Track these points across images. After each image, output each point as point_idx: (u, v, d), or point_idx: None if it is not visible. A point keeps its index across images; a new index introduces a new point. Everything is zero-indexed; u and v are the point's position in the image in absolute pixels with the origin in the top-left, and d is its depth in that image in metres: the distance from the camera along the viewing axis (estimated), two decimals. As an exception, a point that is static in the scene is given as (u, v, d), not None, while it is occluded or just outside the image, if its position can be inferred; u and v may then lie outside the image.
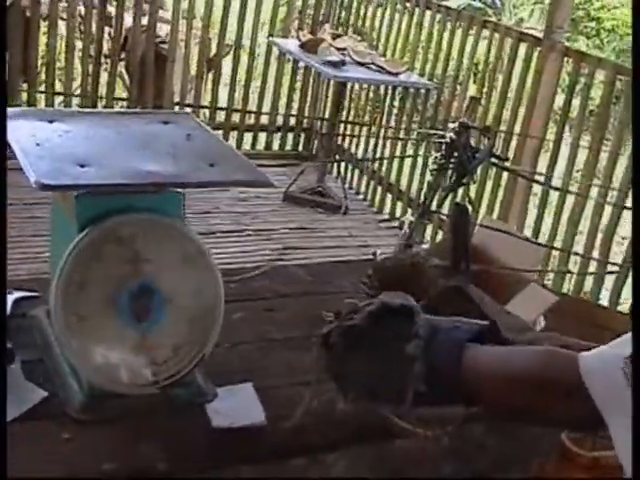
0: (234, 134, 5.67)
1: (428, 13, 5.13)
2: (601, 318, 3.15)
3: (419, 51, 5.23)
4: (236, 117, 5.68)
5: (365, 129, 5.59)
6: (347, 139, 5.73)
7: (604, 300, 3.95)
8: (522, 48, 4.49)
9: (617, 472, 0.92)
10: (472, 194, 4.25)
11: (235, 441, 1.24)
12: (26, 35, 4.90)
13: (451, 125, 3.17)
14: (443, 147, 3.08)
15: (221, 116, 5.71)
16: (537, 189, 4.53)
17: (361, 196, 5.54)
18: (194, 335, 1.29)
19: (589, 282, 4.02)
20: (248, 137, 5.76)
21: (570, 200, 4.14)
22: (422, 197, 4.36)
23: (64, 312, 1.21)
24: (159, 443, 1.21)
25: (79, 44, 5.15)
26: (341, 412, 1.12)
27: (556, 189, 4.17)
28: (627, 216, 4.07)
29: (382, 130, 5.45)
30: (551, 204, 4.35)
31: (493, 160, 3.26)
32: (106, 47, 5.28)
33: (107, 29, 5.25)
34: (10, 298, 1.51)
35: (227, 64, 5.69)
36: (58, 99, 5.30)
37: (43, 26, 5.14)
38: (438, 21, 5.08)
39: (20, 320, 1.46)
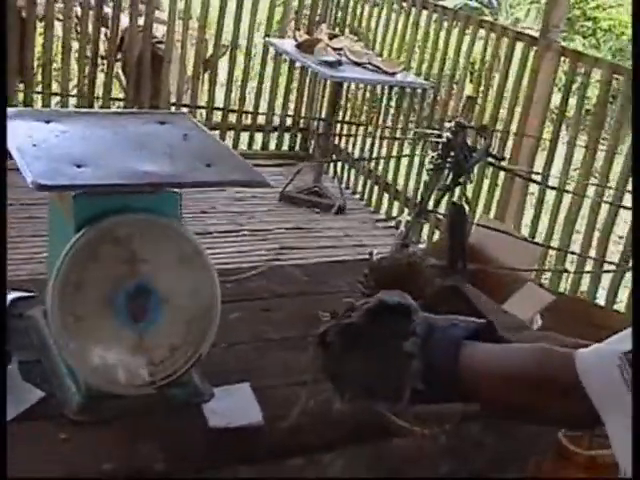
0: (231, 134, 5.67)
1: (424, 13, 5.13)
2: (598, 317, 3.16)
3: (415, 51, 5.23)
4: (233, 117, 5.68)
5: (362, 129, 5.58)
6: (344, 139, 5.73)
7: (601, 299, 3.95)
8: (518, 47, 4.49)
9: (614, 470, 0.92)
10: (469, 193, 4.24)
11: (232, 441, 1.24)
12: (22, 36, 4.90)
13: (448, 124, 3.18)
14: (440, 147, 3.07)
15: (218, 116, 5.71)
16: (534, 188, 4.53)
17: (358, 196, 5.53)
18: (191, 335, 1.29)
19: (586, 281, 4.02)
20: (245, 137, 5.76)
21: (567, 199, 4.14)
22: (419, 197, 4.36)
23: (61, 312, 1.21)
24: (156, 443, 1.21)
25: (75, 45, 5.15)
26: (338, 412, 1.12)
27: (553, 188, 4.17)
28: (624, 215, 4.08)
29: (379, 130, 5.44)
30: (548, 203, 4.35)
31: (490, 159, 3.26)
32: (102, 48, 5.27)
33: (103, 30, 5.25)
34: (6, 299, 1.50)
35: (224, 64, 5.69)
36: (55, 99, 5.29)
37: (39, 27, 5.14)
38: (434, 21, 5.08)
39: (17, 321, 1.46)
